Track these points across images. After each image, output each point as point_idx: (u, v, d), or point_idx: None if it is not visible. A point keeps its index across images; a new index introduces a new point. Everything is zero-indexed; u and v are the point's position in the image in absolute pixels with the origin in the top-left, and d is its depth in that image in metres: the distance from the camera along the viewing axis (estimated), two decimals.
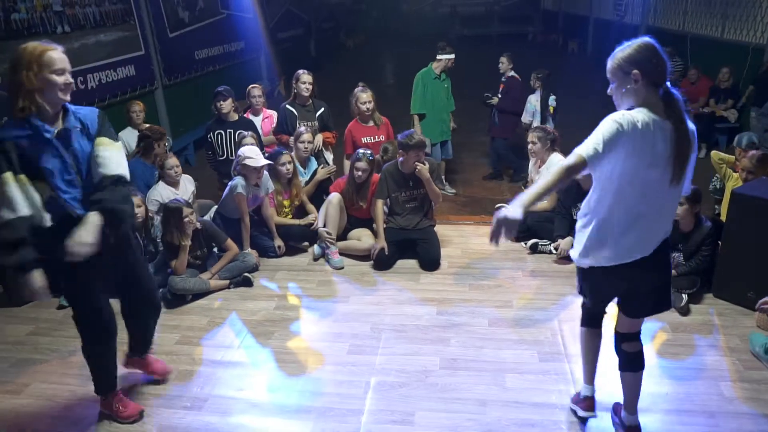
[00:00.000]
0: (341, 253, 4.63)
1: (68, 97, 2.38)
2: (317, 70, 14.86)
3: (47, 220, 2.36)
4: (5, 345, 3.65)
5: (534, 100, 6.40)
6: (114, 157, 2.48)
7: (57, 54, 2.33)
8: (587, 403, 2.80)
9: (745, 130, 6.14)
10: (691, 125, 2.15)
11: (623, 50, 2.15)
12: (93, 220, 2.36)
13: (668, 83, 2.12)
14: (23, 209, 2.29)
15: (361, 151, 4.67)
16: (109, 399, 2.92)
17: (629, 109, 2.14)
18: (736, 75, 7.55)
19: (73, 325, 3.78)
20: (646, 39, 2.14)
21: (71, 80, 2.37)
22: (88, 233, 2.32)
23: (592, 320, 2.70)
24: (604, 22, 14.52)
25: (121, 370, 3.03)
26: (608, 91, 2.25)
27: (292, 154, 4.96)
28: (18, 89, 2.28)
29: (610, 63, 2.19)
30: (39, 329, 3.82)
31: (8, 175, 2.28)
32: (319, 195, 5.07)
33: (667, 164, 2.11)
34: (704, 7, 9.19)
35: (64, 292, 2.65)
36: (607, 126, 2.07)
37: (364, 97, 5.18)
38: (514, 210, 2.02)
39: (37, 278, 2.33)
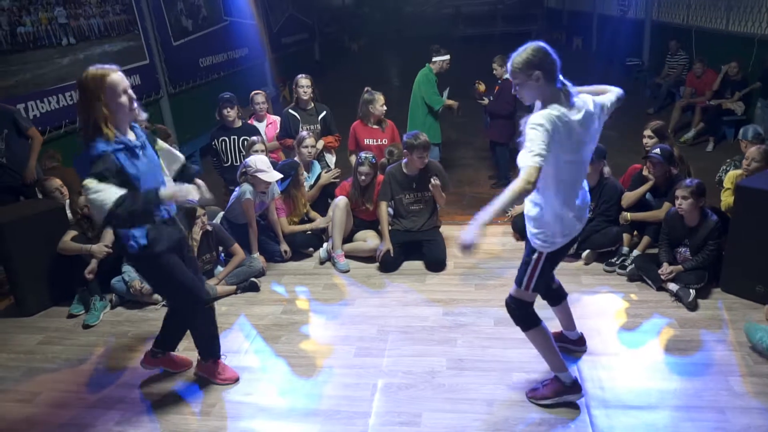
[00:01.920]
0: (347, 256, 4.64)
1: (136, 111, 2.58)
2: (321, 74, 15.04)
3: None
4: (16, 354, 3.70)
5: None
6: (170, 151, 2.94)
7: (117, 76, 2.49)
8: (575, 386, 2.85)
9: (751, 123, 6.10)
10: (594, 101, 2.53)
11: (520, 55, 2.42)
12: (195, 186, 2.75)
13: (560, 76, 2.45)
14: (112, 197, 2.42)
15: (363, 155, 4.68)
16: (209, 363, 3.20)
17: (535, 103, 2.50)
18: (742, 67, 7.47)
19: (83, 333, 3.87)
20: (537, 42, 2.45)
21: (133, 95, 2.56)
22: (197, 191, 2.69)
23: (535, 314, 2.81)
24: (607, 17, 14.46)
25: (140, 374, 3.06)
26: (513, 91, 2.55)
27: (297, 159, 4.99)
28: (95, 118, 2.44)
29: (511, 67, 2.45)
30: (49, 338, 3.86)
31: (91, 180, 2.43)
32: (323, 199, 5.09)
33: (581, 142, 2.48)
34: (708, 0, 9.12)
35: (155, 284, 3.07)
36: (540, 131, 2.31)
37: (382, 99, 5.26)
38: (471, 234, 2.28)
39: (169, 188, 2.62)
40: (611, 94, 2.69)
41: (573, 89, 2.47)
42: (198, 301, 2.94)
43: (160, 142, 2.89)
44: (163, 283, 2.95)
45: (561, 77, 2.45)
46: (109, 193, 2.40)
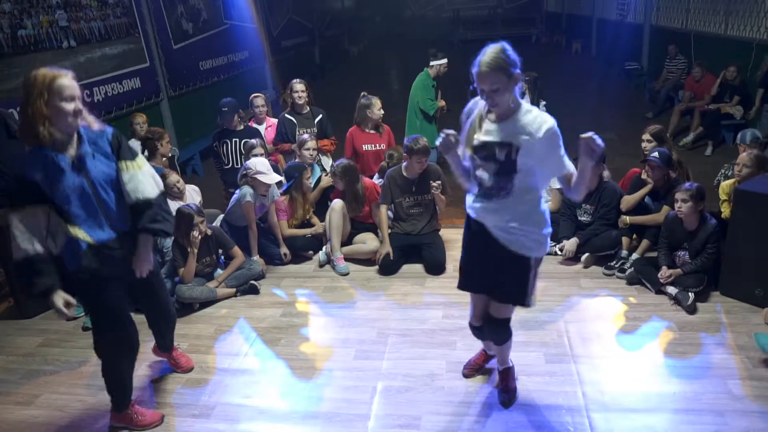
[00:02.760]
0: (347, 259, 4.65)
1: (78, 124, 2.39)
2: (321, 78, 15.05)
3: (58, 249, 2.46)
4: (16, 357, 3.70)
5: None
6: (134, 179, 2.53)
7: (67, 81, 2.32)
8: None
9: (751, 127, 6.10)
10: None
11: (494, 57, 2.24)
12: (144, 240, 2.60)
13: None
14: (36, 247, 2.38)
15: (332, 167, 4.74)
16: (124, 413, 2.92)
17: (516, 104, 2.38)
18: (741, 72, 7.50)
19: (83, 336, 3.86)
20: (502, 42, 2.29)
21: (81, 107, 2.36)
22: (146, 252, 2.60)
23: None
24: (607, 22, 14.50)
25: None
26: (486, 98, 2.33)
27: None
28: (31, 117, 2.29)
29: (492, 69, 2.25)
30: (49, 341, 3.86)
31: (16, 215, 2.37)
32: (323, 202, 5.10)
33: None
34: (707, 4, 9.15)
35: (89, 310, 2.76)
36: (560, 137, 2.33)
37: (379, 103, 5.27)
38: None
39: (58, 300, 2.44)
40: None
41: None
42: (115, 344, 2.74)
43: (125, 171, 2.52)
44: (94, 314, 2.75)
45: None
46: (19, 242, 2.36)
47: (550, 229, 2.56)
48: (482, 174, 2.45)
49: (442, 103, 6.36)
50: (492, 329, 2.77)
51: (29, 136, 2.32)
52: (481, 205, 2.51)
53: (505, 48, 2.28)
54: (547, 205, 2.57)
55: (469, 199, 2.60)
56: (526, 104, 2.39)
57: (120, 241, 2.56)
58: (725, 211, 4.08)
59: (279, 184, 4.61)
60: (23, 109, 2.32)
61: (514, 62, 2.27)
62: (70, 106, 2.31)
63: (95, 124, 2.50)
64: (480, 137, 2.43)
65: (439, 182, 4.47)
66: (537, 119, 2.33)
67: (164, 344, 3.25)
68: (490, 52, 2.27)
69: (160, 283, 2.98)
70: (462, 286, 2.81)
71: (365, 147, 5.32)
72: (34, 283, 2.41)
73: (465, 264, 2.76)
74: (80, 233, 2.44)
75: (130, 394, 2.93)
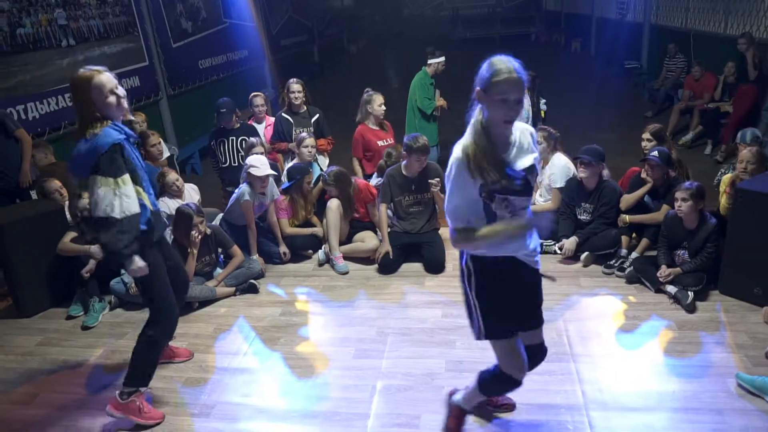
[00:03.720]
0: (346, 258, 4.65)
1: (126, 108, 2.68)
2: (320, 76, 15.02)
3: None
4: (15, 356, 3.69)
5: (525, 105, 6.35)
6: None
7: (104, 77, 2.59)
8: None
9: (750, 126, 6.10)
10: None
11: (516, 64, 2.03)
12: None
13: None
14: (135, 207, 2.63)
15: (323, 174, 4.75)
16: (130, 400, 2.89)
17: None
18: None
19: (82, 335, 3.86)
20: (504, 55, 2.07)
21: (122, 93, 2.64)
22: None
23: None
24: (606, 20, 14.48)
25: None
26: (509, 110, 2.04)
27: (296, 161, 5.02)
28: (87, 118, 2.59)
29: (519, 77, 2.02)
30: (48, 340, 3.85)
31: (127, 177, 2.61)
32: (322, 201, 5.09)
33: None
34: (707, 3, 9.15)
35: (149, 278, 2.83)
36: None
37: (380, 99, 5.27)
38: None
39: (140, 261, 2.69)
40: None
41: None
42: (170, 317, 2.93)
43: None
44: (146, 280, 2.85)
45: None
46: (134, 203, 2.61)
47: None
48: (514, 202, 2.15)
49: (443, 102, 6.36)
50: (541, 357, 2.52)
51: (88, 125, 2.60)
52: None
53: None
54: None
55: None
56: None
57: (160, 213, 2.93)
58: (723, 203, 4.08)
59: (278, 181, 4.61)
60: (77, 111, 2.64)
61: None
62: (113, 99, 2.59)
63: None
64: (519, 161, 2.14)
65: (438, 179, 4.46)
66: (526, 128, 2.23)
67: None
68: (506, 59, 2.03)
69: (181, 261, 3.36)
70: (505, 334, 2.33)
71: (380, 143, 5.33)
72: (126, 240, 2.59)
73: (501, 308, 2.30)
74: (145, 198, 2.73)
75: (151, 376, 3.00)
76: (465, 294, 2.40)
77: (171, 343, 3.39)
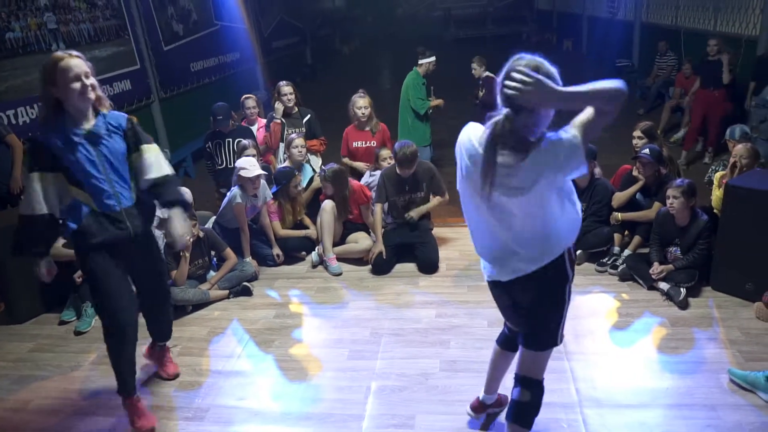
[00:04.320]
0: (339, 259, 4.64)
1: (92, 97, 2.53)
2: (313, 78, 15.00)
3: (61, 215, 2.63)
4: (7, 362, 3.67)
5: None
6: (157, 159, 2.77)
7: (72, 61, 2.47)
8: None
9: (740, 123, 6.13)
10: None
11: (545, 70, 1.90)
12: (177, 213, 2.81)
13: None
14: (42, 208, 2.54)
15: (321, 171, 4.73)
16: (128, 402, 2.93)
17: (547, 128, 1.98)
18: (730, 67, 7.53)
19: (75, 340, 3.85)
20: (535, 55, 1.94)
21: (88, 82, 2.49)
22: (182, 225, 2.80)
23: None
24: (597, 19, 14.54)
25: None
26: (523, 121, 1.91)
27: (287, 162, 5.01)
28: (46, 102, 2.53)
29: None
30: (40, 346, 3.83)
31: (35, 174, 2.53)
32: (315, 202, 5.08)
33: None
34: (696, 1, 9.19)
35: (90, 282, 2.79)
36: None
37: (360, 102, 5.26)
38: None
39: (43, 265, 2.68)
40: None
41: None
42: (112, 323, 2.77)
43: (147, 148, 2.75)
44: (90, 283, 2.80)
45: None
46: (31, 200, 2.54)
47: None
48: None
49: (439, 101, 6.36)
50: None
51: (49, 115, 2.54)
52: None
53: (542, 63, 1.95)
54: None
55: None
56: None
57: (125, 215, 2.69)
58: (717, 195, 4.10)
59: (269, 183, 4.60)
60: (40, 94, 2.56)
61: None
62: (77, 85, 2.45)
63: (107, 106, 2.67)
64: None
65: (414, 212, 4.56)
66: None
67: (161, 332, 3.23)
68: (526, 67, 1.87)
69: (162, 263, 3.13)
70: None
71: (355, 144, 5.35)
72: (31, 242, 2.61)
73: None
74: (84, 198, 2.60)
75: (133, 383, 2.93)
76: (555, 299, 2.17)
77: (166, 358, 3.35)
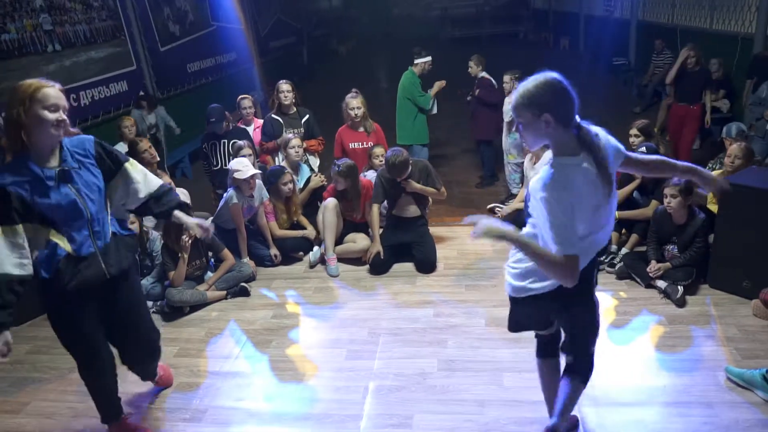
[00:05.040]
0: (337, 259, 4.63)
1: (61, 135, 2.30)
2: (310, 78, 14.99)
3: (33, 270, 2.33)
4: (3, 364, 3.63)
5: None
6: (145, 175, 2.60)
7: (52, 90, 2.26)
8: None
9: (737, 121, 6.14)
10: (608, 142, 2.07)
11: (528, 89, 1.95)
12: (181, 214, 2.66)
13: (577, 117, 1.99)
14: (8, 267, 2.25)
15: (334, 165, 4.69)
16: (114, 428, 2.84)
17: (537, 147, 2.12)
18: (726, 65, 7.55)
19: None
20: (553, 75, 1.95)
21: (64, 117, 2.27)
22: (191, 219, 2.65)
23: (539, 344, 2.65)
24: (594, 18, 14.57)
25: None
26: (513, 129, 2.10)
27: (284, 162, 5.01)
28: (12, 126, 2.23)
29: (517, 101, 1.98)
30: (37, 347, 3.82)
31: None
32: (313, 202, 5.08)
33: (599, 190, 1.99)
34: None
35: (60, 332, 2.60)
36: (557, 209, 1.91)
37: (353, 102, 5.23)
38: (500, 226, 1.97)
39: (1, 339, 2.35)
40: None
41: (593, 134, 2.01)
42: (88, 369, 2.66)
43: (131, 165, 2.55)
44: (58, 327, 2.59)
45: (578, 119, 1.99)
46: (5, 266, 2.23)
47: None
48: None
49: (441, 83, 6.33)
50: None
51: (10, 145, 2.26)
52: None
53: (548, 84, 1.95)
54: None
55: None
56: (553, 168, 1.98)
57: (101, 255, 2.44)
58: (711, 201, 4.11)
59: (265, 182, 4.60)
60: (6, 117, 2.24)
61: (546, 104, 1.92)
62: (52, 116, 2.23)
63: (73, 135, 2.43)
64: None
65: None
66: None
67: (146, 374, 3.07)
68: (532, 80, 1.97)
69: (146, 311, 2.86)
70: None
71: (351, 145, 5.32)
72: None
73: None
74: (61, 241, 2.36)
75: (116, 408, 2.84)
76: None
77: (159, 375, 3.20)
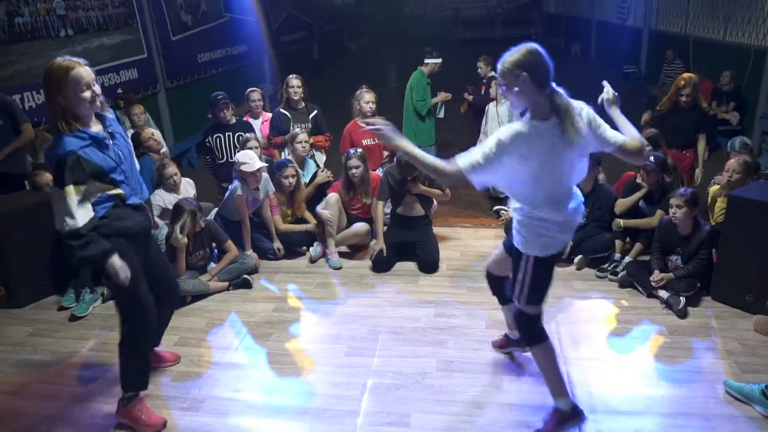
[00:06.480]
0: (340, 251, 4.64)
1: (97, 105, 2.55)
2: (320, 73, 15.00)
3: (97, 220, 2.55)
4: (5, 346, 3.68)
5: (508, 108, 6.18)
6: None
7: (82, 71, 2.47)
8: (575, 412, 2.68)
9: (747, 134, 6.13)
10: (582, 110, 2.40)
11: (511, 55, 2.30)
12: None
13: (552, 83, 2.32)
14: (82, 219, 2.46)
15: (350, 150, 4.70)
16: (131, 406, 2.85)
17: (520, 109, 2.41)
18: (738, 78, 7.53)
19: (74, 326, 3.85)
20: (532, 44, 2.31)
21: (98, 90, 2.52)
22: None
23: (541, 330, 2.71)
24: (606, 24, 14.52)
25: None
26: (499, 92, 2.47)
27: (290, 156, 5.01)
28: (57, 109, 2.46)
29: (500, 66, 2.33)
30: (39, 330, 3.84)
31: (70, 188, 2.43)
32: (318, 198, 5.08)
33: (566, 149, 2.30)
34: (707, 10, 9.17)
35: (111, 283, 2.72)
36: (494, 145, 2.28)
37: (367, 96, 5.22)
38: (399, 139, 2.41)
39: (117, 260, 2.53)
40: (623, 137, 2.50)
41: (566, 96, 2.33)
42: (142, 311, 2.78)
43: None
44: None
45: (553, 84, 2.32)
46: (83, 217, 2.45)
47: (545, 239, 2.47)
48: None
49: (446, 95, 6.34)
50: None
51: (61, 123, 2.48)
52: None
53: (528, 50, 2.32)
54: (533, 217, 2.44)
55: None
56: (520, 123, 2.35)
57: (145, 207, 2.80)
58: (715, 214, 4.10)
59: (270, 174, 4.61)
60: (48, 102, 2.50)
61: (524, 65, 2.29)
62: (88, 94, 2.47)
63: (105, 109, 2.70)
64: None
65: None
66: None
67: (159, 334, 3.20)
68: (513, 49, 2.34)
69: (166, 259, 3.26)
70: None
71: (365, 142, 5.30)
72: (89, 247, 2.46)
73: None
74: (119, 193, 2.63)
75: (147, 377, 2.93)
76: None
77: (157, 348, 3.29)
